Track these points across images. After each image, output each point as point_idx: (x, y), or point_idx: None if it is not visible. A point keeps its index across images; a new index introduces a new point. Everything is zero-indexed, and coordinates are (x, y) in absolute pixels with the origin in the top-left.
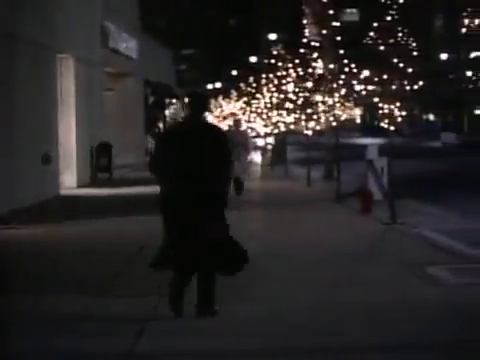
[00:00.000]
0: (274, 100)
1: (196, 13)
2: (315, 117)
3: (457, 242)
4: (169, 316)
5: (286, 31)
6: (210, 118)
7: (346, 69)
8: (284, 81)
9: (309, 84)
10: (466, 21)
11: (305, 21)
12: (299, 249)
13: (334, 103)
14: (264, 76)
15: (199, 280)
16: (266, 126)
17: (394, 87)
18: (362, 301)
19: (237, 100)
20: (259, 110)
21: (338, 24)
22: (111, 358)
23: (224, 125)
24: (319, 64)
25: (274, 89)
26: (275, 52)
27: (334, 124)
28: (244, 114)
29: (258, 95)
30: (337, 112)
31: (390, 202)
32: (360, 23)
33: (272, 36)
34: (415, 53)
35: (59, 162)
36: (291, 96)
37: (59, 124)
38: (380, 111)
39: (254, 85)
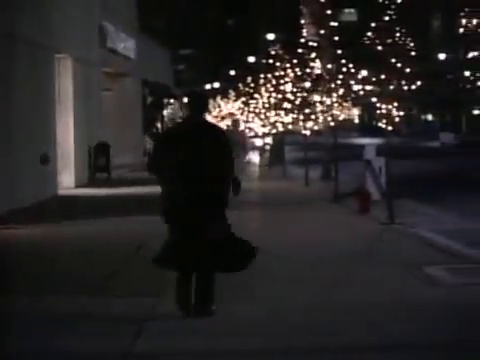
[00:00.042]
0: (272, 100)
1: (194, 13)
2: (313, 117)
3: (455, 242)
4: (167, 316)
5: (284, 31)
6: (208, 118)
7: (344, 69)
8: (282, 81)
9: (307, 84)
10: (464, 21)
11: (303, 21)
12: (297, 249)
13: (332, 103)
14: (262, 76)
15: (198, 280)
16: (264, 126)
17: (392, 87)
18: (360, 301)
19: (235, 100)
20: (257, 110)
21: (336, 24)
22: (109, 358)
23: (222, 125)
24: (317, 64)
25: (272, 89)
26: (273, 52)
27: (332, 124)
28: (242, 114)
29: (256, 95)
30: (335, 112)
31: (388, 202)
32: (358, 23)
33: (270, 36)
34: (413, 53)
35: (57, 162)
36: (289, 96)
37: (57, 124)
38: (378, 111)
39: (252, 85)
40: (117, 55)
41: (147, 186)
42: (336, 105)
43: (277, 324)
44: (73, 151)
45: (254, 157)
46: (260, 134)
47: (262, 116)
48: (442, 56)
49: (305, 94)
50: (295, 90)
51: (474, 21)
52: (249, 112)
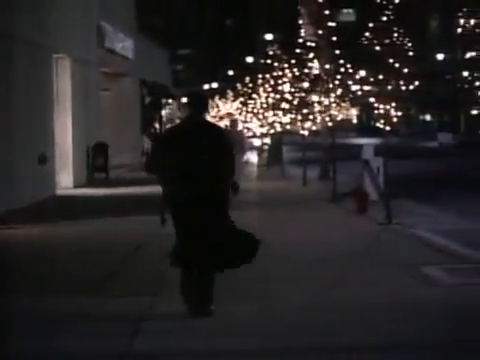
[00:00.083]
0: (270, 100)
1: (192, 13)
2: (311, 117)
3: (452, 242)
4: (165, 316)
5: (282, 31)
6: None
7: (342, 69)
8: (280, 81)
9: (305, 84)
10: (462, 21)
11: (301, 21)
12: (295, 249)
13: (330, 103)
14: (260, 76)
15: (197, 280)
16: (262, 126)
17: (390, 87)
18: (357, 301)
19: (233, 100)
20: (255, 110)
21: (334, 24)
22: (107, 358)
23: (220, 125)
24: (315, 64)
25: (270, 89)
26: (271, 52)
27: (330, 124)
28: (240, 114)
29: (254, 95)
30: (333, 112)
31: (386, 202)
32: (356, 23)
33: (268, 36)
34: (411, 53)
35: (55, 162)
36: (287, 96)
37: (55, 124)
38: (376, 111)
39: (250, 85)
40: (115, 55)
41: (145, 186)
42: (334, 105)
43: (275, 324)
44: (71, 151)
45: (252, 157)
46: (258, 134)
47: (260, 116)
48: (440, 56)
49: (303, 94)
50: (293, 90)
51: (472, 21)
52: (247, 112)
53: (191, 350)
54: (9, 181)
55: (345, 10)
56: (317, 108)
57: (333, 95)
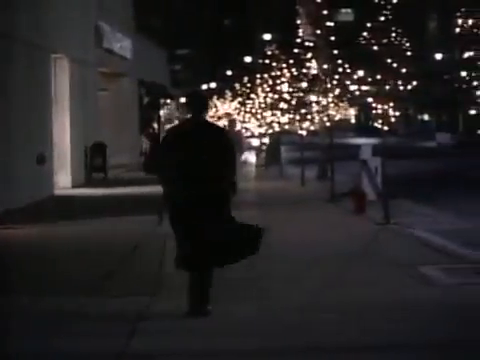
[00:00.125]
0: (268, 100)
1: (190, 13)
2: (309, 117)
3: (451, 242)
4: (163, 316)
5: (280, 31)
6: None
7: (340, 69)
8: (278, 81)
9: (303, 84)
10: (460, 21)
11: (299, 21)
12: (293, 249)
13: (328, 103)
14: (258, 76)
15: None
16: (260, 126)
17: (388, 87)
18: (355, 301)
19: (232, 100)
20: (253, 110)
21: (332, 24)
22: (104, 358)
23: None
24: (313, 64)
25: (268, 89)
26: (269, 52)
27: (328, 124)
28: (239, 114)
29: (252, 95)
30: (331, 112)
31: (384, 202)
32: (355, 23)
33: (266, 36)
34: (409, 53)
35: (53, 162)
36: (285, 96)
37: (53, 124)
38: (374, 111)
39: (248, 85)
40: (113, 55)
41: (143, 186)
42: (332, 105)
43: (273, 324)
44: (69, 151)
45: (250, 157)
46: (256, 134)
47: (258, 116)
48: (438, 56)
49: (301, 94)
50: (291, 90)
51: (470, 21)
52: (245, 112)
53: (189, 350)
54: (7, 181)
55: (343, 10)
56: (315, 108)
57: (331, 95)
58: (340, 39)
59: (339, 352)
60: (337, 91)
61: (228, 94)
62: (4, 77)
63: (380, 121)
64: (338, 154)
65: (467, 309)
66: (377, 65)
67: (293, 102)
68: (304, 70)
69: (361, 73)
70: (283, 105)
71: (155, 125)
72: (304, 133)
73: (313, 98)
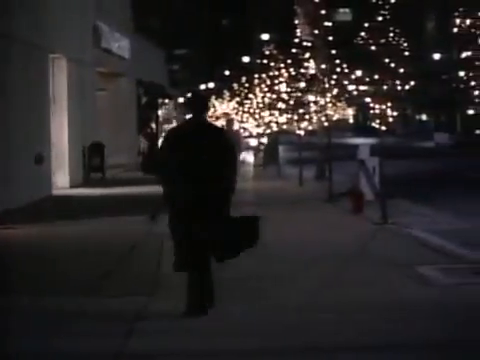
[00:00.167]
0: (266, 100)
1: (189, 13)
2: (307, 117)
3: (448, 242)
4: (161, 315)
5: (278, 31)
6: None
7: (338, 69)
8: (276, 81)
9: (301, 84)
10: (457, 21)
11: (297, 21)
12: (291, 249)
13: (326, 103)
14: (257, 76)
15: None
16: (258, 126)
17: (386, 87)
18: (353, 301)
19: (230, 100)
20: (252, 110)
21: (330, 24)
22: (102, 358)
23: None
24: (311, 64)
25: (266, 89)
26: (267, 52)
27: (326, 124)
28: (237, 114)
29: (251, 95)
30: (329, 112)
31: (382, 202)
32: (353, 23)
33: (264, 36)
34: (406, 53)
35: (51, 162)
36: (283, 96)
37: (51, 124)
38: (372, 111)
39: (247, 85)
40: (111, 55)
41: (141, 186)
42: (330, 105)
43: (271, 324)
44: (67, 151)
45: (248, 157)
46: (255, 134)
47: (256, 116)
48: (436, 56)
49: (299, 94)
50: (289, 90)
51: (468, 21)
52: (244, 112)
53: (188, 350)
54: (6, 181)
55: (341, 10)
56: (313, 108)
57: (329, 95)
58: (338, 39)
59: (337, 352)
60: (335, 91)
61: (226, 94)
62: (3, 77)
63: (378, 121)
64: (336, 154)
65: (465, 309)
66: (375, 65)
67: (291, 102)
68: (302, 70)
69: (359, 73)
70: (281, 105)
71: (153, 125)
72: (302, 133)
73: (311, 98)
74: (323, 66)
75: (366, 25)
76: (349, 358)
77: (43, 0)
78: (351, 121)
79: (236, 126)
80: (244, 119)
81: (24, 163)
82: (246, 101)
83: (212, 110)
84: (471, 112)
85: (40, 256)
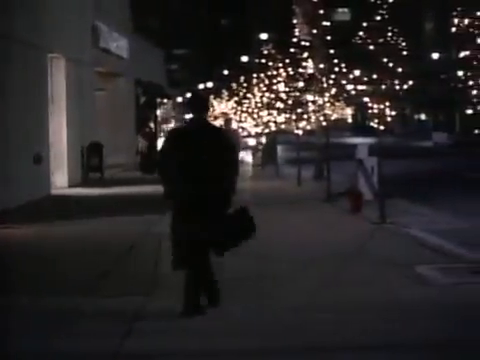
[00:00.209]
0: (265, 100)
1: (188, 13)
2: (305, 117)
3: (447, 242)
4: (159, 315)
5: (277, 31)
6: None
7: (336, 69)
8: (275, 81)
9: (300, 84)
10: (456, 20)
11: (295, 21)
12: (289, 249)
13: (324, 103)
14: (255, 76)
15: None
16: (257, 126)
17: (384, 87)
18: (352, 301)
19: (228, 100)
20: (250, 110)
21: (328, 24)
22: (100, 358)
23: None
24: (309, 64)
25: (265, 89)
26: (266, 52)
27: (324, 124)
28: (235, 114)
29: (249, 95)
30: (327, 112)
31: (380, 202)
32: (351, 22)
33: (263, 36)
34: (405, 53)
35: (50, 162)
36: (282, 96)
37: (50, 124)
38: (370, 111)
39: (245, 85)
40: (110, 55)
41: (140, 186)
42: (328, 105)
43: (269, 324)
44: (66, 151)
45: (247, 157)
46: (253, 134)
47: (255, 116)
48: (435, 56)
49: (298, 94)
50: (288, 90)
51: (466, 21)
52: (242, 112)
53: (186, 350)
54: (5, 181)
55: (340, 9)
56: (311, 107)
57: (327, 94)
58: (336, 38)
59: (336, 352)
60: (333, 90)
61: (225, 94)
62: (1, 77)
63: (376, 120)
64: (335, 154)
65: (463, 309)
66: (373, 65)
67: (289, 101)
68: (300, 69)
69: (357, 72)
70: (279, 104)
71: (152, 125)
72: (300, 133)
73: (309, 97)
74: (321, 66)
75: (364, 25)
76: (348, 358)
77: (42, 0)
78: (350, 121)
79: (234, 125)
80: (242, 119)
81: (23, 163)
82: (244, 101)
83: (211, 109)
84: (470, 112)
85: (38, 256)
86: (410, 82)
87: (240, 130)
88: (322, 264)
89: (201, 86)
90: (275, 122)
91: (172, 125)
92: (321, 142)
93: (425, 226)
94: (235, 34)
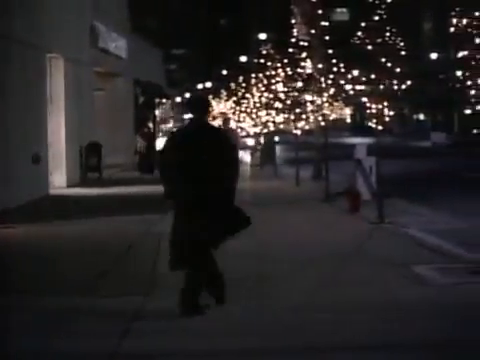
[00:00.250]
0: (263, 100)
1: (186, 13)
2: (304, 117)
3: (445, 242)
4: (158, 316)
5: (275, 31)
6: None
7: (335, 69)
8: (273, 81)
9: (298, 84)
10: (454, 20)
11: (294, 21)
12: (288, 249)
13: (323, 103)
14: (254, 76)
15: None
16: (255, 126)
17: (382, 87)
18: (350, 301)
19: (227, 100)
20: (248, 110)
21: (327, 24)
22: (98, 358)
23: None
24: (308, 64)
25: (263, 89)
26: (264, 52)
27: (323, 124)
28: (234, 114)
29: (248, 95)
30: (326, 112)
31: (378, 202)
32: (349, 22)
33: (262, 36)
34: (403, 53)
35: (49, 162)
36: (280, 96)
37: (49, 124)
38: (368, 111)
39: (244, 85)
40: (109, 55)
41: (138, 186)
42: (327, 105)
43: (268, 324)
44: (65, 151)
45: (245, 157)
46: (252, 133)
47: (253, 116)
48: (433, 56)
49: (296, 94)
50: (286, 90)
51: (464, 21)
52: (241, 112)
53: (186, 350)
54: (5, 181)
55: (338, 9)
56: (310, 107)
57: (326, 94)
58: (335, 39)
59: (334, 352)
60: (332, 90)
61: (223, 93)
62: (1, 77)
63: (374, 120)
64: (333, 154)
65: (462, 309)
66: (372, 65)
67: (288, 101)
68: (299, 69)
69: (356, 73)
70: (278, 104)
71: (150, 125)
72: (299, 132)
73: (308, 97)
74: (320, 66)
75: (363, 25)
76: (347, 358)
77: (40, 0)
78: (348, 121)
79: (233, 125)
80: (241, 118)
81: (22, 163)
82: (243, 101)
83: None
84: (468, 112)
85: (37, 256)
86: (408, 82)
87: (239, 130)
88: (320, 264)
89: (200, 86)
90: (274, 122)
91: (171, 125)
92: (319, 142)
93: (423, 226)
94: (234, 34)
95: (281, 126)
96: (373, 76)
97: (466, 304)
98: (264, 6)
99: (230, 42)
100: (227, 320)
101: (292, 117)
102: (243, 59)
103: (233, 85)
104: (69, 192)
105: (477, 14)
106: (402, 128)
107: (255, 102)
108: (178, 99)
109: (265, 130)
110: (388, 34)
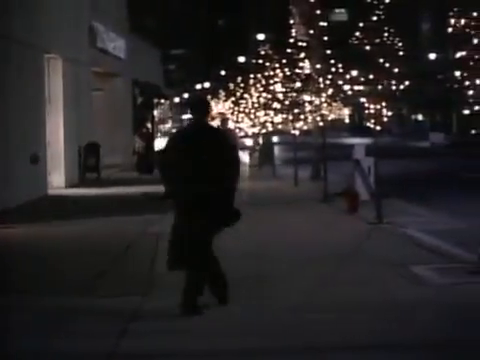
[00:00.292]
0: (262, 100)
1: (185, 13)
2: (302, 117)
3: (444, 242)
4: (157, 316)
5: (274, 31)
6: None
7: (333, 69)
8: (272, 81)
9: (297, 84)
10: (452, 21)
11: (292, 21)
12: (286, 249)
13: (321, 103)
14: (252, 76)
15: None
16: (254, 126)
17: (381, 87)
18: (348, 301)
19: (225, 100)
20: (247, 110)
21: (325, 24)
22: (96, 358)
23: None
24: (306, 64)
25: (262, 89)
26: (263, 52)
27: (321, 124)
28: (232, 114)
29: (246, 95)
30: (324, 112)
31: (376, 202)
32: (348, 23)
33: (260, 36)
34: (401, 53)
35: (47, 162)
36: (279, 96)
37: (47, 124)
38: (367, 111)
39: (242, 85)
40: (107, 55)
41: (137, 186)
42: (325, 105)
43: (267, 324)
44: (63, 151)
45: (243, 157)
46: (250, 134)
47: (252, 116)
48: (432, 56)
49: (294, 94)
50: (285, 90)
51: (462, 21)
52: (239, 112)
53: (185, 350)
54: (5, 181)
55: (337, 10)
56: (308, 108)
57: (324, 95)
58: (333, 39)
59: (333, 352)
60: (330, 91)
61: (222, 94)
62: (2, 77)
63: (373, 121)
64: (332, 154)
65: (460, 309)
66: (370, 65)
67: (286, 102)
68: (297, 70)
69: (354, 73)
70: (276, 105)
71: (149, 125)
72: (297, 133)
73: (306, 98)
74: (318, 66)
75: (361, 25)
76: (346, 357)
77: (39, 0)
78: (347, 121)
79: (231, 126)
80: (239, 119)
81: (21, 163)
82: (241, 101)
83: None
84: (467, 112)
85: (36, 256)
86: (407, 82)
87: (237, 130)
88: (319, 264)
89: (198, 86)
90: (272, 122)
91: (169, 125)
92: (318, 142)
93: (422, 226)
94: (232, 34)
95: (279, 126)
96: (371, 76)
97: (464, 304)
98: (262, 6)
99: (228, 42)
100: (227, 320)
101: (290, 117)
102: (241, 59)
103: (231, 85)
104: (67, 192)
105: (475, 14)
106: (400, 128)
107: (253, 102)
108: (176, 99)
109: (263, 130)
110: (386, 34)
